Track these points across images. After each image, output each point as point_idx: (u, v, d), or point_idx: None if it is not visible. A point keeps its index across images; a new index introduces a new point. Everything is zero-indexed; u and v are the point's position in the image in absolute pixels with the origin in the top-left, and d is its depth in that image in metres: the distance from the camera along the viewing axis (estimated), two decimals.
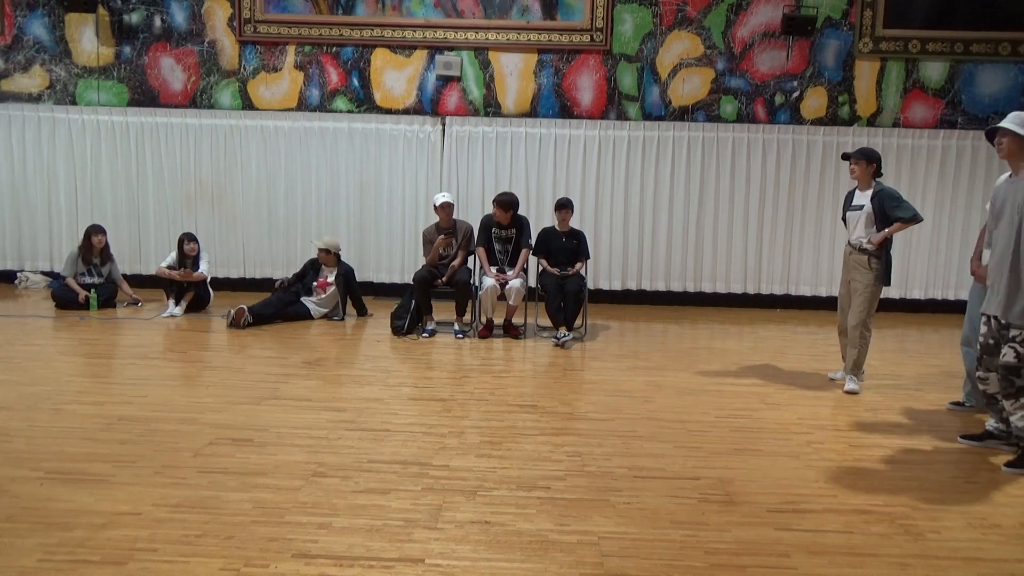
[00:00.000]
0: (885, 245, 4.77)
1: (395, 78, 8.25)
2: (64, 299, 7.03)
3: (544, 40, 8.08)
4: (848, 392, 4.84)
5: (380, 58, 8.22)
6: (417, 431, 3.83)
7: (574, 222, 6.83)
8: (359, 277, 8.22)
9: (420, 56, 8.20)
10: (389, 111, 8.29)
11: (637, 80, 8.16)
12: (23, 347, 5.49)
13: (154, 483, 3.07)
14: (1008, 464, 3.57)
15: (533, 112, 8.25)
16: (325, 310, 6.99)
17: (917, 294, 8.32)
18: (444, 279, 6.47)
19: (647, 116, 8.21)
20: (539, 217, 8.00)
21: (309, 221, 8.39)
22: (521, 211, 6.72)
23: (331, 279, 7.00)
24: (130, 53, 8.26)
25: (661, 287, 8.40)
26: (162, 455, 3.39)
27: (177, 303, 6.94)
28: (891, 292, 8.04)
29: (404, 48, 8.19)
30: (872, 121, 8.15)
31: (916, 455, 3.73)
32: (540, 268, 6.57)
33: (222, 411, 4.08)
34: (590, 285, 7.60)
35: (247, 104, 8.31)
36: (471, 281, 6.50)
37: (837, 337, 5.19)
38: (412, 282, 6.54)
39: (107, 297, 7.18)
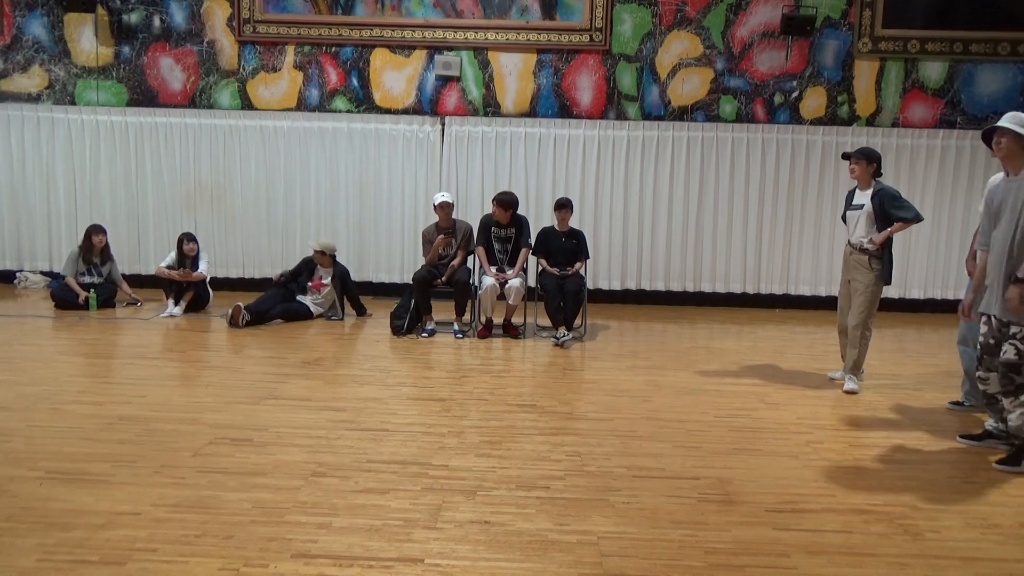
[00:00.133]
0: (886, 245, 4.78)
1: (394, 78, 8.25)
2: (63, 299, 7.03)
3: (543, 40, 8.08)
4: (847, 392, 4.84)
5: (379, 58, 8.22)
6: (416, 431, 3.83)
7: (573, 222, 6.83)
8: (359, 277, 8.25)
9: (419, 56, 8.20)
10: (388, 111, 8.29)
11: (636, 80, 8.16)
12: (22, 347, 5.49)
13: (153, 483, 3.07)
14: (1000, 461, 3.57)
15: (532, 112, 8.25)
16: (323, 309, 7.00)
17: (916, 294, 8.33)
18: (444, 279, 6.47)
19: (646, 116, 8.21)
20: (538, 217, 8.01)
21: (308, 221, 8.39)
22: (520, 211, 6.72)
23: (326, 280, 7.00)
24: (129, 53, 8.26)
25: (660, 287, 8.41)
26: (161, 455, 3.39)
27: (176, 303, 6.94)
28: (890, 292, 8.04)
29: (403, 48, 8.19)
30: (871, 121, 8.16)
31: (915, 455, 3.73)
32: (540, 268, 6.58)
33: (221, 411, 4.08)
34: (589, 285, 7.60)
35: (246, 104, 8.31)
36: (470, 281, 6.50)
37: (836, 337, 5.20)
38: (411, 282, 6.54)
39: (106, 297, 7.18)
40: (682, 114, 8.20)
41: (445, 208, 6.49)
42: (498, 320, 6.54)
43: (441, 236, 6.51)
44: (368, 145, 8.27)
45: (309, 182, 8.36)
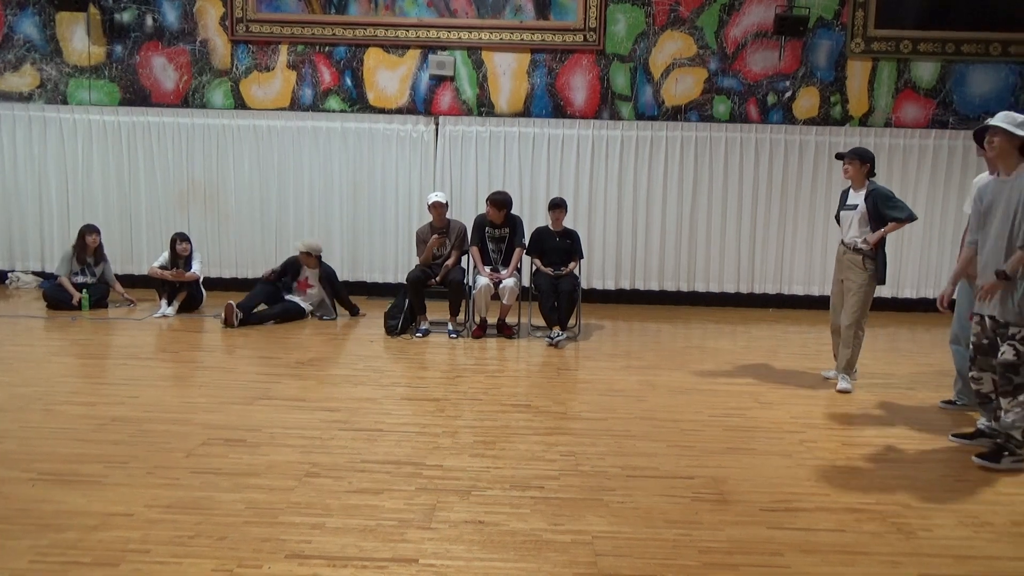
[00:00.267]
0: (880, 244, 4.80)
1: (388, 78, 8.24)
2: (55, 299, 6.99)
3: (537, 40, 8.08)
4: (841, 391, 4.86)
5: (373, 58, 8.21)
6: (411, 431, 3.83)
7: (567, 222, 6.83)
8: (352, 277, 8.25)
9: (413, 56, 8.19)
10: (382, 111, 8.27)
11: (630, 80, 8.17)
12: (14, 348, 5.46)
13: (146, 484, 3.06)
14: (981, 455, 3.58)
15: (526, 112, 8.25)
16: (313, 307, 7.00)
17: (909, 293, 8.36)
18: (438, 279, 6.46)
19: (640, 116, 8.22)
20: (532, 217, 8.01)
21: (302, 221, 8.37)
22: (514, 211, 6.72)
23: (312, 281, 6.98)
24: (121, 52, 8.22)
25: (654, 287, 8.42)
26: (154, 456, 3.38)
27: (169, 303, 6.92)
28: (883, 291, 8.06)
29: (397, 48, 8.17)
30: (864, 121, 8.18)
31: (908, 454, 3.74)
32: (534, 268, 6.58)
33: (215, 411, 4.07)
34: (583, 285, 7.59)
35: (239, 104, 8.28)
36: (464, 281, 6.50)
37: (830, 336, 5.21)
38: (405, 282, 6.54)
39: (99, 297, 7.14)
40: (676, 114, 8.21)
41: (439, 208, 6.48)
42: (492, 320, 6.54)
43: (435, 236, 6.51)
44: (362, 145, 8.26)
45: (303, 182, 8.34)
